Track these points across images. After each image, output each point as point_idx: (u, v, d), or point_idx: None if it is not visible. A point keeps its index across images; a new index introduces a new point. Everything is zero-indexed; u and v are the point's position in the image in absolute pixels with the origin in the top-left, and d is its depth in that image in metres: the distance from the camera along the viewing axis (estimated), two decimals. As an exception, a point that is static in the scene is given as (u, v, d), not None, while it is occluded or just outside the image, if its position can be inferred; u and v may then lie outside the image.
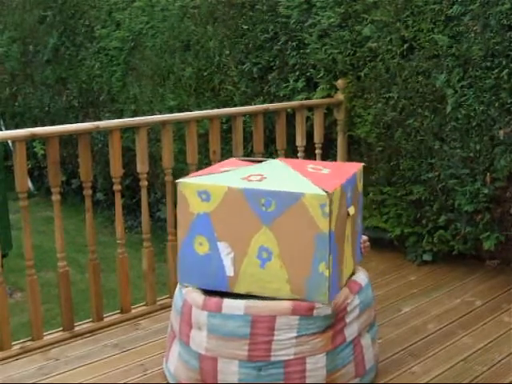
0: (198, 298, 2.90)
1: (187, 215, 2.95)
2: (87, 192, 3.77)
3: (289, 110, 4.78)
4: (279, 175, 3.02)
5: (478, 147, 4.21)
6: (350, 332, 2.92)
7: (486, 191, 4.23)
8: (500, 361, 3.34)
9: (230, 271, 2.90)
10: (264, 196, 2.81)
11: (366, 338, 3.02)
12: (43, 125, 7.36)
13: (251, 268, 2.87)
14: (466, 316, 3.88)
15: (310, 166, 3.17)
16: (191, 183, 2.96)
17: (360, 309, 2.97)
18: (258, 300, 2.83)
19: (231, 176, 3.00)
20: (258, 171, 3.03)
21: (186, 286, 3.00)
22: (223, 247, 2.89)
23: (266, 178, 2.95)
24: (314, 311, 2.79)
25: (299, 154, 4.67)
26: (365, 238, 3.33)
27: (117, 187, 3.87)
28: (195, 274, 2.98)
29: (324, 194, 2.73)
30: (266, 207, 2.81)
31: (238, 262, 2.88)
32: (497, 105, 4.08)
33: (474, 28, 4.10)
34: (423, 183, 4.55)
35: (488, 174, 4.21)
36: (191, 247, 2.96)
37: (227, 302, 2.82)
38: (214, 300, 2.85)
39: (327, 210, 2.73)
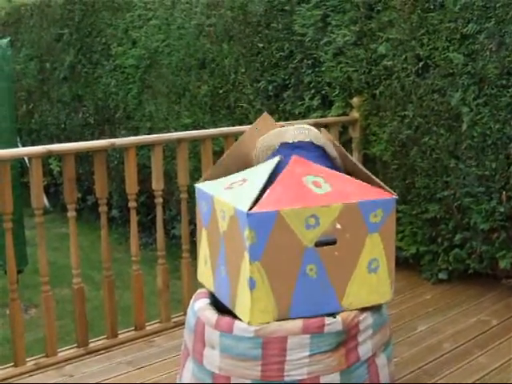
0: (211, 316, 2.88)
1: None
2: (103, 209, 3.79)
3: (304, 127, 4.78)
4: None
5: (493, 165, 4.19)
6: (364, 351, 2.89)
7: (501, 209, 4.21)
8: (516, 381, 3.32)
9: None
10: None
11: (381, 357, 2.99)
12: (59, 142, 7.45)
13: None
14: (482, 335, 3.85)
15: None
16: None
17: (374, 328, 2.95)
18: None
19: None
20: None
21: None
22: None
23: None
24: (325, 328, 2.77)
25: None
26: None
27: (132, 204, 3.89)
28: None
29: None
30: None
31: None
32: (512, 123, 4.08)
33: (490, 46, 4.10)
34: (439, 201, 4.54)
35: (504, 192, 4.20)
36: None
37: (238, 324, 2.80)
38: (226, 320, 2.83)
39: None
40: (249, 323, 2.69)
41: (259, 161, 3.10)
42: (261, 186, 2.72)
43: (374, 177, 2.94)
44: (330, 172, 2.91)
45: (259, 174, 2.88)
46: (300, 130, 3.06)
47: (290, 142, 3.00)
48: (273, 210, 2.63)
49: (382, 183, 2.92)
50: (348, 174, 2.99)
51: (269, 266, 2.67)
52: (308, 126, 3.13)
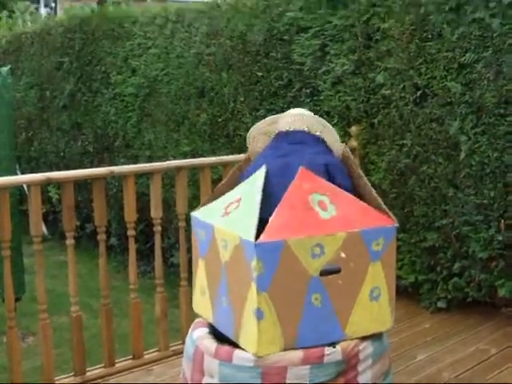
0: (210, 345, 2.86)
1: None
2: (101, 237, 3.78)
3: (302, 156, 4.79)
4: None
5: (491, 194, 4.20)
6: (364, 381, 2.87)
7: (500, 238, 4.21)
8: (516, 410, 3.30)
9: None
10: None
11: (380, 386, 2.98)
12: (58, 169, 7.43)
13: None
14: (481, 364, 3.84)
15: None
16: None
17: (373, 357, 2.93)
18: None
19: None
20: None
21: None
22: None
23: None
24: (325, 358, 2.75)
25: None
26: None
27: (130, 232, 3.88)
28: None
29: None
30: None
31: None
32: (510, 151, 4.08)
33: (487, 75, 4.12)
34: (437, 230, 4.54)
35: (502, 220, 4.20)
36: None
37: (237, 353, 2.77)
38: (225, 349, 2.80)
39: None
40: (255, 354, 2.66)
41: (255, 149, 3.09)
42: (257, 207, 2.69)
43: (379, 200, 2.95)
44: (336, 190, 2.88)
45: (252, 190, 2.84)
46: (295, 117, 3.02)
47: (287, 129, 2.99)
48: (280, 240, 2.60)
49: (385, 207, 2.92)
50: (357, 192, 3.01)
51: (276, 297, 2.64)
52: (303, 111, 3.11)
